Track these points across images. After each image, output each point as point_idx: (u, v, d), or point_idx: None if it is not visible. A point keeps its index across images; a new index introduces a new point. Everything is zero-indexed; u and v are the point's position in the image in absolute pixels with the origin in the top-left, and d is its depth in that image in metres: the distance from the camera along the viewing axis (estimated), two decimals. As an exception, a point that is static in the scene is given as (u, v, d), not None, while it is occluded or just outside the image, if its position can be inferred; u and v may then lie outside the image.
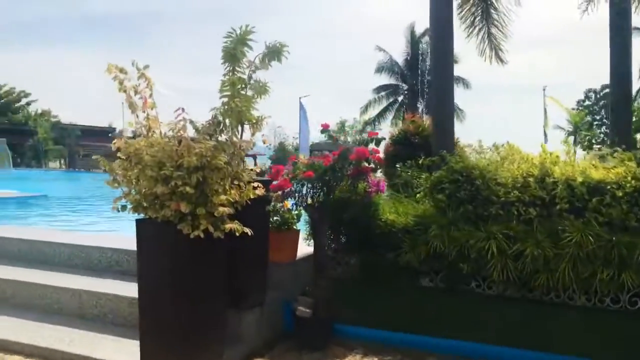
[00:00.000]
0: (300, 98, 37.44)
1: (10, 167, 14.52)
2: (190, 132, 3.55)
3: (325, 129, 4.44)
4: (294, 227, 4.47)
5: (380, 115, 42.56)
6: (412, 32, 42.48)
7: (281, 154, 42.57)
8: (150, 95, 3.56)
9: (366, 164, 4.14)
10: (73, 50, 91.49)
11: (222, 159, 3.19)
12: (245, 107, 3.80)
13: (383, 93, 42.80)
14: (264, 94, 4.01)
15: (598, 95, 44.45)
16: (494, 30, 8.40)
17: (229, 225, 3.20)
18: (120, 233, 6.92)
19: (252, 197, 3.45)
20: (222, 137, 3.65)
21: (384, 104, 42.70)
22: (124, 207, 3.34)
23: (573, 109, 41.43)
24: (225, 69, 4.01)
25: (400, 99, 42.95)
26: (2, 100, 55.35)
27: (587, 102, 44.68)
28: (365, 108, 42.51)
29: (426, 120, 7.35)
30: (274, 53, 4.02)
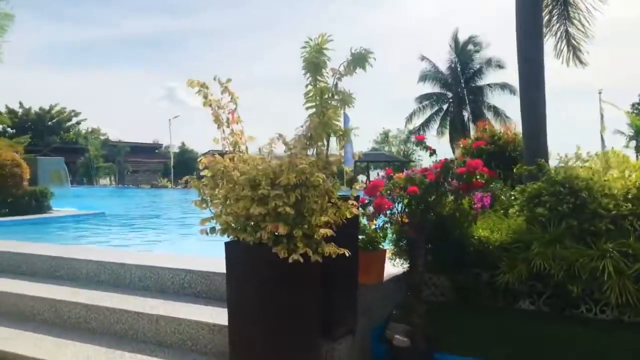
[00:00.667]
0: (344, 110, 37.41)
1: (68, 185, 14.75)
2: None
3: (420, 140, 4.10)
4: (381, 246, 4.15)
5: (425, 124, 41.93)
6: (456, 39, 41.82)
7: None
8: (235, 110, 3.34)
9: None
10: (116, 70, 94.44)
11: (320, 175, 2.91)
12: (333, 118, 3.53)
13: (427, 102, 42.18)
14: (350, 103, 3.75)
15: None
16: (572, 29, 7.94)
17: (328, 249, 2.90)
18: (185, 251, 6.73)
19: (348, 216, 3.15)
20: (310, 152, 3.39)
21: (428, 112, 42.09)
22: (212, 230, 3.09)
23: (628, 112, 39.73)
24: (307, 78, 3.78)
25: (445, 107, 42.20)
26: (54, 120, 57.40)
27: (642, 106, 42.80)
28: (410, 117, 41.96)
29: (509, 128, 6.92)
30: (359, 60, 3.73)
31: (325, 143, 3.61)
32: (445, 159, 3.66)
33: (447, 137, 41.81)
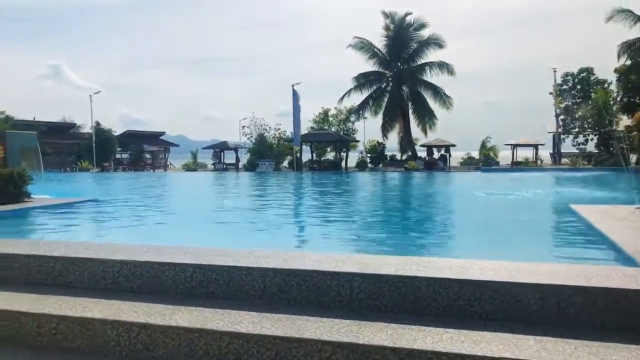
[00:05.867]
0: (293, 85, 35.77)
1: (41, 167, 12.09)
2: None
3: None
4: None
5: (364, 103, 41.32)
6: (392, 17, 41.19)
7: (262, 147, 40.24)
8: None
9: None
10: None
11: None
12: None
13: (364, 80, 41.46)
14: None
15: (576, 79, 44.89)
16: None
17: None
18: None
19: None
20: None
21: (367, 92, 41.45)
22: None
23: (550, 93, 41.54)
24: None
25: (384, 86, 41.76)
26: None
27: (564, 87, 45.06)
28: (342, 97, 41.12)
29: None
30: None
31: None
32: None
33: (380, 116, 41.39)
